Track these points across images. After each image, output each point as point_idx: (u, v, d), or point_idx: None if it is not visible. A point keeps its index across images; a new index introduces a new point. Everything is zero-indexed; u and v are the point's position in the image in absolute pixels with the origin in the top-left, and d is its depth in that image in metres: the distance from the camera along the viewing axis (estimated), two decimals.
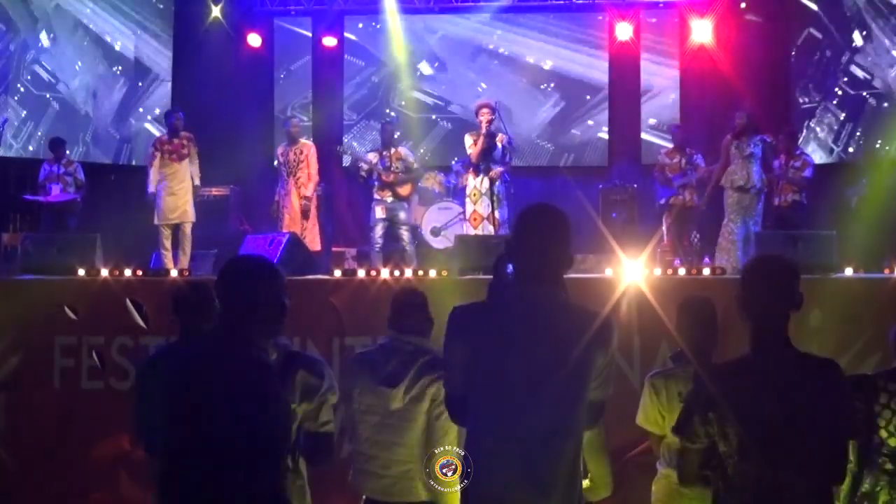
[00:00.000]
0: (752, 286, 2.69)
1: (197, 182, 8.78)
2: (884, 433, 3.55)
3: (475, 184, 8.08)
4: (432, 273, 5.69)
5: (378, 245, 8.57)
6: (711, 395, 2.67)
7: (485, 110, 8.05)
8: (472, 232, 7.89)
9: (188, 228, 8.61)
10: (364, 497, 3.63)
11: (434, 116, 12.30)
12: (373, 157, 8.84)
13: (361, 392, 3.59)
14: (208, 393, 2.59)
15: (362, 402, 3.59)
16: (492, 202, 7.98)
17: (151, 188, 8.59)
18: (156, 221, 8.52)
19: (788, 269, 2.71)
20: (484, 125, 8.01)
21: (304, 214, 8.78)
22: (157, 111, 11.97)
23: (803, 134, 11.18)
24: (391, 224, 8.63)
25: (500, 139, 8.09)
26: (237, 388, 2.58)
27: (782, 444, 2.56)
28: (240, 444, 2.53)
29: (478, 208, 8.02)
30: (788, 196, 8.72)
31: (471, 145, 8.07)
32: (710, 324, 3.63)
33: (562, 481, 2.45)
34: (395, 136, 9.19)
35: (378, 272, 5.71)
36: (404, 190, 8.73)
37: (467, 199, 8.20)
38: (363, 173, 8.75)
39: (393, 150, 8.81)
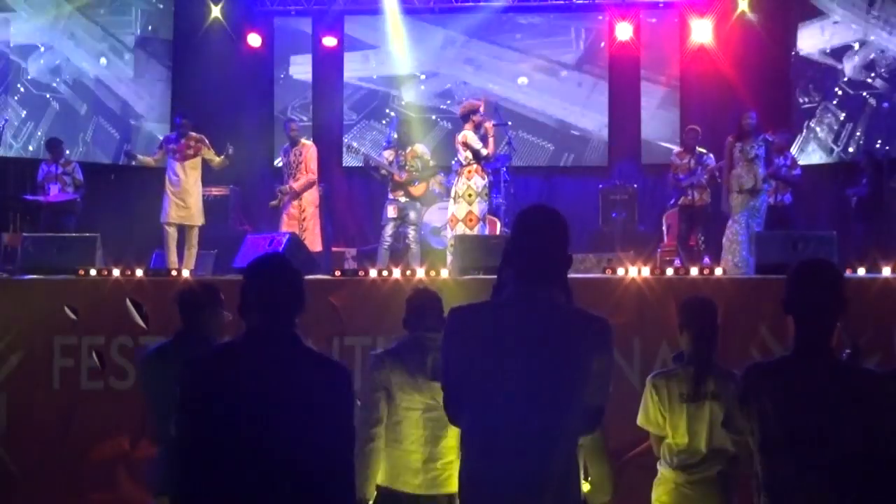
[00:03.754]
0: (798, 289, 2.67)
1: (222, 157, 8.66)
2: None
3: (484, 183, 7.98)
4: (432, 273, 5.69)
5: (386, 244, 8.59)
6: (747, 390, 2.68)
7: (478, 113, 8.06)
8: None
9: (195, 234, 8.53)
10: (400, 492, 3.58)
11: (434, 117, 12.29)
12: (389, 154, 8.83)
13: (399, 388, 3.58)
14: (280, 393, 2.49)
15: (402, 398, 3.58)
16: (485, 200, 7.95)
17: (139, 155, 8.92)
18: (161, 220, 8.49)
19: (835, 274, 2.70)
20: (486, 123, 8.01)
21: (281, 202, 8.79)
22: (157, 111, 11.98)
23: (803, 134, 11.20)
24: (401, 223, 8.66)
25: (489, 129, 8.07)
26: (321, 389, 2.53)
27: (808, 449, 2.54)
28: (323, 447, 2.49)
29: (473, 209, 7.92)
30: (781, 195, 8.81)
31: (483, 146, 7.92)
32: (712, 324, 3.64)
33: (555, 483, 2.44)
34: (410, 134, 9.13)
35: (378, 272, 5.71)
36: (417, 190, 8.73)
37: (462, 201, 7.91)
38: (383, 171, 8.73)
39: (409, 149, 8.79)
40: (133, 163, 8.80)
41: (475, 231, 7.76)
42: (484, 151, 7.92)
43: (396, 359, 3.61)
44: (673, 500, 3.62)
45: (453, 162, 10.49)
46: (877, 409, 2.58)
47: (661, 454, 3.70)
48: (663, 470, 3.69)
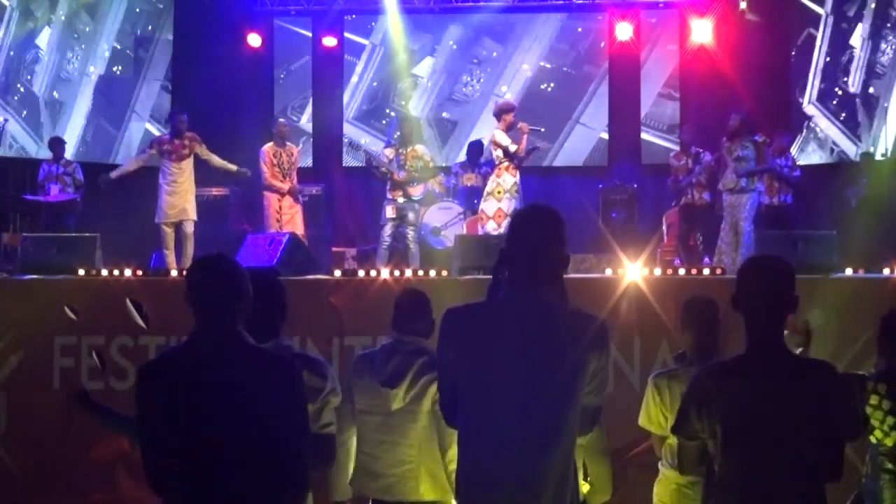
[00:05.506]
0: (747, 287, 2.68)
1: (234, 168, 8.78)
2: (879, 433, 3.57)
3: (514, 181, 8.00)
4: (432, 273, 5.69)
5: (385, 244, 8.61)
6: (704, 393, 2.68)
7: (512, 113, 8.09)
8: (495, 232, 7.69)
9: (189, 228, 8.55)
10: (366, 497, 3.63)
11: (434, 116, 12.30)
12: (389, 153, 8.84)
13: (362, 392, 3.61)
14: (231, 391, 2.52)
15: (363, 402, 3.61)
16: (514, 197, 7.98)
17: (114, 174, 8.69)
18: (157, 220, 8.51)
19: (784, 271, 2.69)
20: (520, 123, 8.08)
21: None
22: (157, 111, 11.99)
23: (803, 134, 11.20)
24: (400, 224, 8.67)
25: (523, 128, 8.11)
26: (266, 385, 2.54)
27: (769, 446, 2.56)
28: (272, 444, 2.51)
29: (502, 206, 7.86)
30: (783, 196, 8.82)
31: (511, 142, 7.94)
32: (713, 324, 3.62)
33: (552, 484, 2.44)
34: (412, 134, 9.15)
35: (378, 272, 5.71)
36: (415, 190, 8.75)
37: (491, 198, 7.94)
38: (383, 170, 8.74)
39: (409, 148, 8.80)
40: (112, 178, 8.76)
41: (504, 228, 7.73)
42: (513, 148, 7.95)
43: (367, 363, 3.63)
44: (673, 500, 3.61)
45: (453, 163, 10.53)
46: (831, 403, 2.60)
47: (663, 454, 3.70)
48: (665, 470, 3.68)
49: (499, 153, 8.00)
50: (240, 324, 2.61)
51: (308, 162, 11.88)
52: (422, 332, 3.67)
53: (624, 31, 11.78)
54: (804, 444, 2.55)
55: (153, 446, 2.57)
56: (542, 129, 9.90)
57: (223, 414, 2.50)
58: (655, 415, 3.64)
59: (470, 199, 9.64)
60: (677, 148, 10.00)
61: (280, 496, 2.54)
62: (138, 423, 2.60)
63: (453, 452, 3.52)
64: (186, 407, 2.51)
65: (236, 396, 2.51)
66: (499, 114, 8.16)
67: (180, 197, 8.52)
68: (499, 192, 7.95)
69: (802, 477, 2.56)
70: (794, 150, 10.34)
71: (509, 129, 8.04)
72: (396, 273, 5.60)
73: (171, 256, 8.44)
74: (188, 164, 8.61)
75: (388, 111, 12.28)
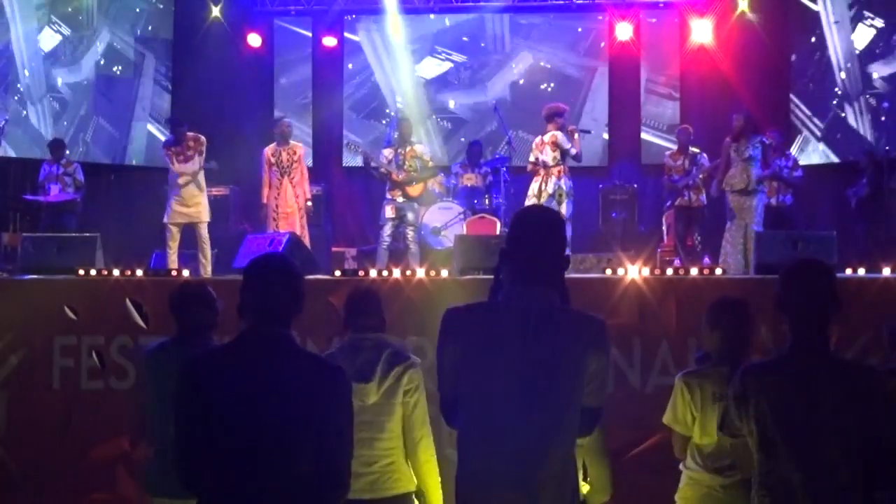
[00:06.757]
0: (795, 290, 2.68)
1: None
2: None
3: (571, 184, 8.04)
4: (432, 273, 5.68)
5: (385, 244, 8.61)
6: (743, 391, 2.68)
7: (563, 116, 8.15)
8: None
9: (204, 230, 8.38)
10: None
11: (434, 116, 12.29)
12: (388, 153, 8.85)
13: None
14: (276, 395, 2.51)
15: None
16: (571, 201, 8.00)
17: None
18: (165, 220, 8.44)
19: (830, 274, 2.72)
20: (569, 126, 8.18)
21: (309, 215, 8.84)
22: (157, 111, 11.99)
23: (804, 134, 11.21)
24: (399, 223, 8.67)
25: (573, 131, 8.21)
26: (316, 390, 2.55)
27: (808, 447, 2.55)
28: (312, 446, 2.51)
29: (563, 209, 7.83)
30: (783, 196, 8.83)
31: (572, 145, 8.03)
32: (744, 325, 3.56)
33: (552, 485, 2.44)
34: (411, 133, 9.17)
35: (378, 272, 5.70)
36: (414, 190, 8.77)
37: (553, 202, 7.86)
38: (383, 170, 8.75)
39: (408, 148, 8.82)
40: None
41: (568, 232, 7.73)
42: (573, 151, 8.05)
43: None
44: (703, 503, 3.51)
45: (453, 163, 10.53)
46: (873, 405, 2.59)
47: (689, 455, 3.57)
48: (693, 473, 3.54)
49: (556, 155, 8.00)
50: (289, 327, 2.62)
51: (308, 162, 11.86)
52: (376, 327, 3.68)
53: (624, 31, 11.78)
54: (846, 450, 2.54)
55: (192, 443, 2.55)
56: (591, 132, 10.01)
57: (267, 414, 2.49)
58: (682, 414, 3.52)
59: (470, 199, 9.64)
60: (669, 150, 10.02)
61: (318, 499, 2.53)
62: (178, 418, 2.58)
63: (427, 444, 3.56)
64: (231, 404, 2.50)
65: (281, 397, 2.50)
66: (551, 117, 8.16)
67: (191, 198, 8.41)
68: (560, 196, 7.97)
69: (844, 483, 2.54)
70: (794, 150, 10.35)
71: (560, 131, 8.07)
72: (397, 273, 5.59)
73: (172, 256, 8.39)
74: (194, 164, 8.55)
75: (388, 111, 12.27)
